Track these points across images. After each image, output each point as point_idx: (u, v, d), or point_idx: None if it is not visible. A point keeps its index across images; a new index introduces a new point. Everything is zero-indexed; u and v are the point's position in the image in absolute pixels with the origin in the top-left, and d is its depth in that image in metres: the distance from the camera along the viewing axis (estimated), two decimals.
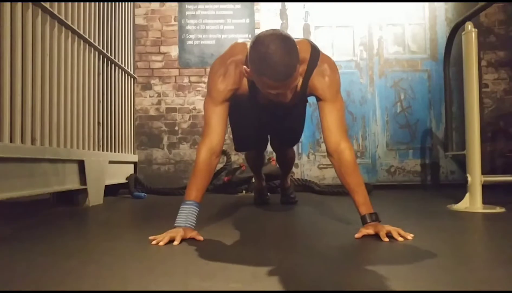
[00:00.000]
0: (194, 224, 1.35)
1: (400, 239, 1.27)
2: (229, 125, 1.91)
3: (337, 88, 1.46)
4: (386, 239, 1.26)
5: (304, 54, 1.39)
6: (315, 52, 1.44)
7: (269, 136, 2.16)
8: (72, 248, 1.26)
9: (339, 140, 1.41)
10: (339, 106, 1.44)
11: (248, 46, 1.29)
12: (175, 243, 1.25)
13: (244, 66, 1.32)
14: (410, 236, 1.29)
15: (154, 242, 1.26)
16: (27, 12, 1.87)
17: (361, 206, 1.36)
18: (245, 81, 1.44)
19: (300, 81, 1.42)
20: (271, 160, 3.42)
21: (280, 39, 1.20)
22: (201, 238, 1.31)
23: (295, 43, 1.24)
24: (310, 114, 3.83)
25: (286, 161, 2.35)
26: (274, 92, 1.26)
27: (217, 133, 1.42)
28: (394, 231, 1.30)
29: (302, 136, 2.83)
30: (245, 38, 3.84)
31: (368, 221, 1.34)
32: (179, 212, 1.36)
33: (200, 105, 3.83)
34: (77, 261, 1.09)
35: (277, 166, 3.41)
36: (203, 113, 3.83)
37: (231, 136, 3.79)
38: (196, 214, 1.37)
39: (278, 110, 1.71)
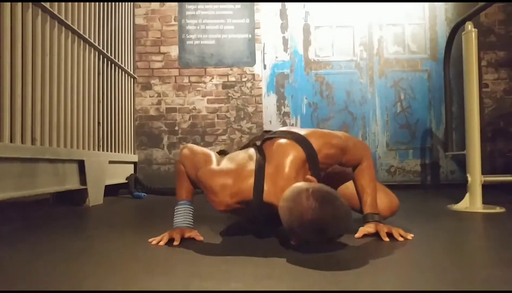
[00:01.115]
0: (192, 223, 1.36)
1: (400, 238, 1.27)
2: None
3: (341, 145, 1.35)
4: (387, 239, 1.26)
5: (299, 154, 1.26)
6: (305, 144, 1.28)
7: None
8: (72, 248, 1.26)
9: (361, 160, 1.41)
10: (349, 149, 1.36)
11: (282, 200, 1.08)
12: (175, 243, 1.25)
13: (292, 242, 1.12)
14: (410, 236, 1.29)
15: (154, 242, 1.27)
16: (27, 12, 1.87)
17: (367, 205, 1.37)
18: (247, 200, 1.24)
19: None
20: None
21: (325, 204, 1.01)
22: (201, 238, 1.31)
23: (334, 193, 1.06)
24: (310, 114, 3.84)
25: None
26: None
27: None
28: (395, 230, 1.30)
29: None
30: (245, 38, 3.84)
31: (370, 220, 1.34)
32: (175, 213, 1.37)
33: (200, 105, 3.83)
34: (77, 261, 1.09)
35: None
36: (203, 113, 3.84)
37: (231, 136, 3.80)
38: (191, 212, 1.38)
39: None
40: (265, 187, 1.20)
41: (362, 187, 1.39)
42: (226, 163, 1.30)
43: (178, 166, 1.43)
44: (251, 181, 1.21)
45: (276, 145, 1.29)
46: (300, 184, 1.10)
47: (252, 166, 1.25)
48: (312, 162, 1.27)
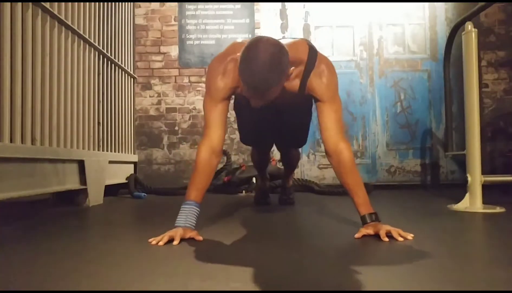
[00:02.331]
0: (194, 224, 1.36)
1: (400, 239, 1.27)
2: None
3: (334, 89, 1.46)
4: (386, 239, 1.26)
5: (301, 55, 1.42)
6: (312, 53, 1.44)
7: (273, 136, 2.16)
8: (72, 248, 1.26)
9: (338, 141, 1.41)
10: (337, 107, 1.45)
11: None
12: (175, 242, 1.25)
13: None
14: (410, 236, 1.29)
15: (153, 242, 1.27)
16: (27, 12, 1.87)
17: (361, 206, 1.37)
18: None
19: (297, 82, 1.44)
20: (271, 160, 3.41)
21: (270, 51, 1.19)
22: (200, 238, 1.31)
23: (284, 58, 1.22)
24: None
25: (289, 162, 2.35)
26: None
27: (217, 133, 1.43)
28: (394, 231, 1.30)
29: None
30: (245, 37, 3.85)
31: (368, 221, 1.34)
32: (180, 212, 1.37)
33: (200, 105, 3.83)
34: (77, 261, 1.09)
35: (278, 166, 3.42)
36: (203, 113, 3.83)
37: (231, 136, 3.80)
38: (196, 214, 1.37)
39: (275, 109, 1.71)
40: None
41: (350, 187, 1.39)
42: None
43: (198, 155, 1.41)
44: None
45: (288, 38, 1.48)
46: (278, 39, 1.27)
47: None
48: (307, 68, 1.41)
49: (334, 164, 1.43)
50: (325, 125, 1.44)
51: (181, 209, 1.37)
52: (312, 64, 1.42)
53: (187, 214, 1.35)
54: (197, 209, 1.38)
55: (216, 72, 1.43)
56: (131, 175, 3.29)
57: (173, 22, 3.87)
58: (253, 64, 1.17)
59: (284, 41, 1.44)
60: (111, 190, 2.93)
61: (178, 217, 1.36)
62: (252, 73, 1.18)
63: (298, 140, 2.13)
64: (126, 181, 3.19)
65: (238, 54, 1.41)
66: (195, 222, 1.36)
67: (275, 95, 1.28)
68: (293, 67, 1.32)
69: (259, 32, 3.85)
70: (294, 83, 1.44)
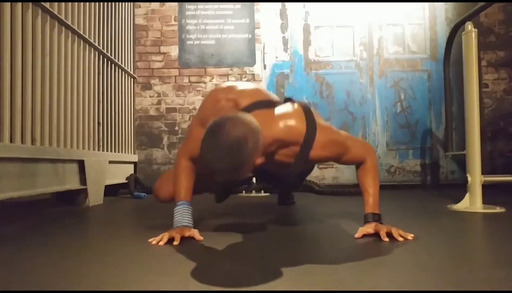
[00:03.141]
0: (191, 222, 1.36)
1: (400, 239, 1.27)
2: None
3: (341, 147, 1.37)
4: (386, 239, 1.26)
5: (296, 136, 1.32)
6: (311, 125, 1.33)
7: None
8: (72, 248, 1.27)
9: (362, 158, 1.42)
10: (349, 149, 1.38)
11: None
12: (175, 242, 1.25)
13: None
14: (410, 236, 1.29)
15: (153, 242, 1.27)
16: (27, 12, 1.87)
17: (368, 205, 1.37)
18: None
19: (291, 158, 1.35)
20: None
21: (234, 136, 1.02)
22: (201, 237, 1.31)
23: (248, 146, 1.03)
24: None
25: None
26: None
27: (198, 149, 1.40)
28: (394, 231, 1.30)
29: None
30: (245, 38, 3.84)
31: (370, 220, 1.35)
32: (174, 214, 1.37)
33: (200, 105, 3.82)
34: (77, 261, 1.09)
35: None
36: None
37: None
38: (190, 212, 1.37)
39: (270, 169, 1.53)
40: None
41: (364, 187, 1.40)
42: None
43: (179, 162, 1.43)
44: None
45: (289, 105, 1.37)
46: (245, 116, 1.10)
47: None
48: (306, 141, 1.31)
49: (357, 170, 1.46)
50: (351, 162, 1.43)
51: (175, 211, 1.37)
52: (312, 137, 1.32)
53: (182, 214, 1.36)
54: (190, 207, 1.38)
55: (212, 103, 1.41)
56: (131, 175, 3.29)
57: (173, 22, 3.87)
58: (212, 146, 1.04)
59: (277, 111, 1.33)
60: (111, 190, 2.93)
61: (174, 218, 1.36)
62: (209, 155, 1.05)
63: (293, 188, 2.10)
64: (126, 181, 3.19)
65: (244, 102, 1.34)
66: (192, 220, 1.37)
67: (242, 175, 1.12)
68: (262, 158, 1.15)
69: (259, 32, 3.84)
70: (286, 158, 1.34)
